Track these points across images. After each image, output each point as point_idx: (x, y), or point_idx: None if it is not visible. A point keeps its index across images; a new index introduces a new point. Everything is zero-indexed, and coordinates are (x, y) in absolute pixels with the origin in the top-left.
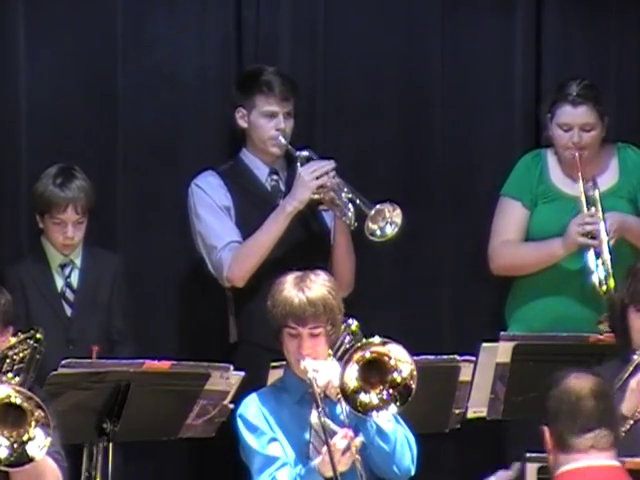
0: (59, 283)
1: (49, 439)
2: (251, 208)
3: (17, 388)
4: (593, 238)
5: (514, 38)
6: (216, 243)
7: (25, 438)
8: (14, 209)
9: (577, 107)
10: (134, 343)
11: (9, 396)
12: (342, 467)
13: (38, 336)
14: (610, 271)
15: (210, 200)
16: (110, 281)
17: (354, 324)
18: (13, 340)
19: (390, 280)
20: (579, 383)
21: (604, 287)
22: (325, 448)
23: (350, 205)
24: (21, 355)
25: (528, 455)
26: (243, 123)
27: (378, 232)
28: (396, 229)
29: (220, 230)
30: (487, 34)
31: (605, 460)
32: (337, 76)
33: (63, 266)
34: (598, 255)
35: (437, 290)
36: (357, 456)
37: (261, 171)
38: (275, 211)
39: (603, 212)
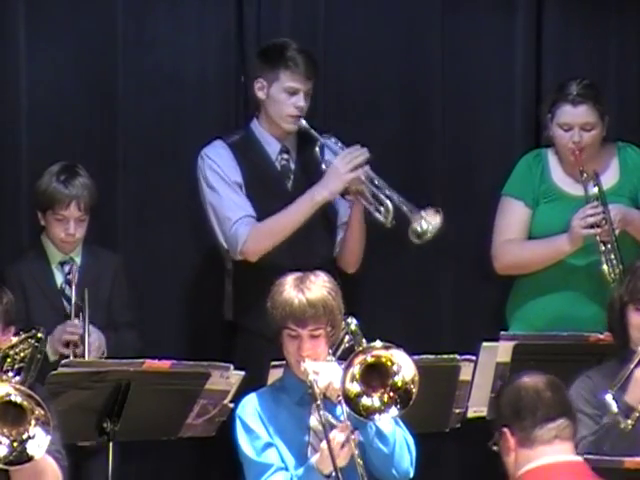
0: (59, 280)
1: (49, 438)
2: (258, 186)
3: (17, 386)
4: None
5: (514, 38)
6: (230, 215)
7: (25, 437)
8: (15, 208)
9: (577, 107)
10: (139, 331)
11: (9, 394)
12: (341, 461)
13: (39, 335)
14: (619, 260)
15: (222, 172)
16: (110, 279)
17: (353, 323)
18: (14, 340)
19: (390, 279)
20: (533, 379)
21: (613, 276)
22: (323, 444)
23: (387, 202)
24: (22, 355)
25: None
26: (262, 95)
27: (420, 231)
28: (435, 230)
29: (235, 203)
30: (487, 34)
31: (569, 456)
32: (337, 75)
33: (63, 264)
34: (604, 244)
35: (437, 289)
36: (356, 451)
37: (272, 147)
38: (302, 197)
39: (606, 204)
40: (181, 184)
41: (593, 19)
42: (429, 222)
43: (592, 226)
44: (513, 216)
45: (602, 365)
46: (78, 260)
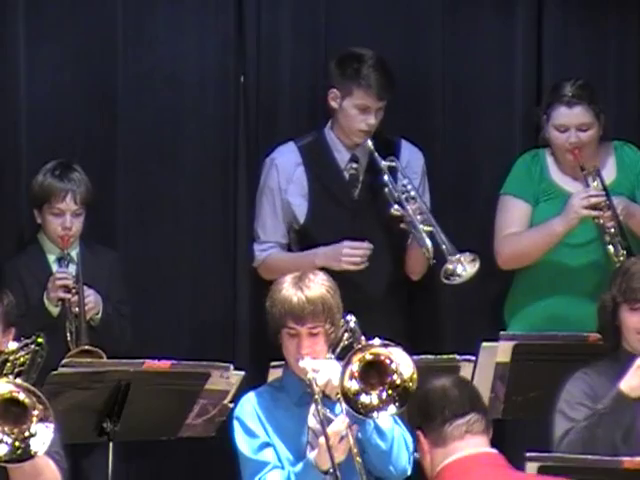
0: (56, 270)
1: (51, 435)
2: (323, 192)
3: (19, 383)
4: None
5: (514, 38)
6: (260, 233)
7: (27, 434)
8: (15, 206)
9: (572, 108)
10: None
11: (11, 392)
12: (339, 456)
13: (40, 340)
14: (624, 243)
15: (277, 187)
16: (107, 275)
17: (352, 321)
18: (15, 346)
19: (390, 280)
20: (439, 381)
21: (618, 258)
22: (321, 439)
23: (427, 241)
24: (22, 359)
25: (528, 455)
26: (334, 104)
27: (453, 275)
28: (468, 276)
29: (269, 224)
30: (487, 34)
31: (482, 447)
32: None
33: (60, 259)
34: (604, 229)
35: (437, 290)
36: (355, 447)
37: (342, 155)
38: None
39: (609, 194)
40: (180, 183)
41: (593, 19)
42: (465, 267)
43: (594, 208)
44: (513, 213)
45: (596, 363)
46: (75, 256)
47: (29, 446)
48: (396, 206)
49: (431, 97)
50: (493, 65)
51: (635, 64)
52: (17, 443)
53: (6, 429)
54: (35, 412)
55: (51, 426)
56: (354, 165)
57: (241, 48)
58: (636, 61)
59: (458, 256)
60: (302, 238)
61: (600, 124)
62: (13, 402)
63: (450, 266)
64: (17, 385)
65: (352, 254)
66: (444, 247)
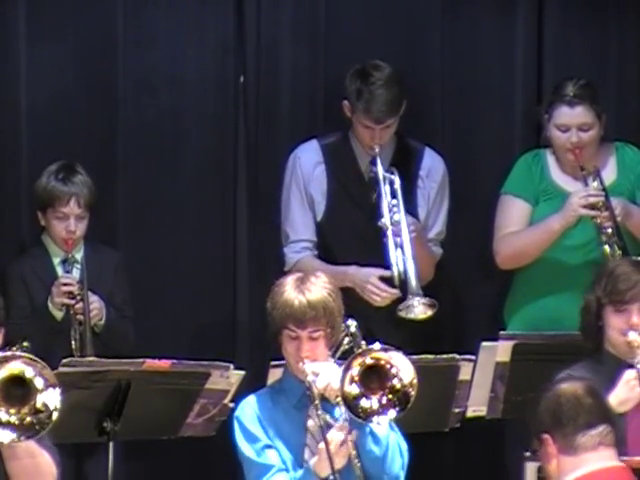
0: (60, 274)
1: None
2: (342, 193)
3: (25, 356)
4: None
5: (515, 38)
6: (290, 233)
7: (36, 408)
8: (16, 207)
9: (574, 107)
10: (134, 327)
11: (22, 371)
12: (339, 462)
13: (25, 345)
14: (620, 244)
15: (302, 183)
16: (111, 274)
17: (353, 325)
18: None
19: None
20: (572, 386)
21: (615, 257)
22: (321, 445)
23: (395, 269)
24: None
25: (527, 454)
26: (348, 114)
27: (404, 312)
28: (419, 318)
29: (299, 222)
30: (487, 34)
31: (613, 461)
32: (338, 76)
33: (64, 261)
34: (601, 229)
35: (437, 290)
36: (354, 452)
37: (363, 157)
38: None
39: (608, 195)
40: (180, 184)
41: (593, 20)
42: (416, 308)
43: (592, 207)
44: (513, 212)
45: (578, 365)
46: (79, 257)
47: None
48: (383, 219)
49: (432, 97)
50: (493, 65)
51: (636, 64)
52: (29, 420)
53: (13, 410)
54: (39, 388)
55: (57, 390)
56: (374, 169)
57: (241, 49)
58: (637, 61)
59: (418, 298)
60: (317, 236)
61: (601, 124)
62: (19, 381)
63: (409, 302)
64: (26, 361)
65: (376, 293)
66: (410, 282)
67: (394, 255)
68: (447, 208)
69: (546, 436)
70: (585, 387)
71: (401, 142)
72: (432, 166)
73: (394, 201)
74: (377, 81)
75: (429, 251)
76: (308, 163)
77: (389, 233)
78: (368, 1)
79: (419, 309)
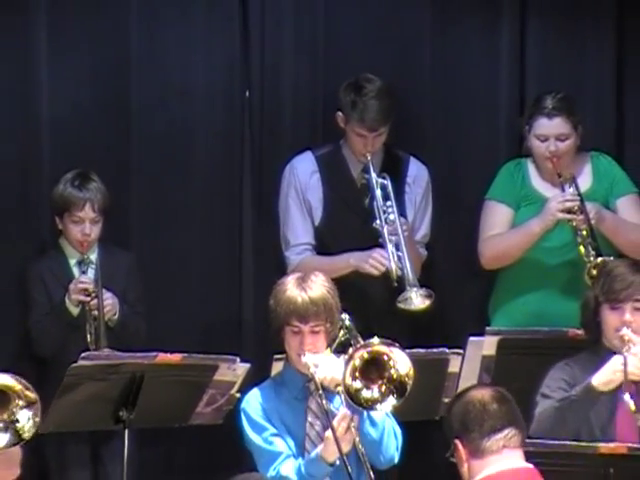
0: (77, 274)
1: (37, 418)
2: (337, 200)
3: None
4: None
5: (499, 55)
6: (290, 238)
7: (14, 419)
8: (38, 213)
9: (552, 119)
10: (146, 321)
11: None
12: (345, 447)
13: None
14: (594, 244)
15: (300, 190)
16: (123, 274)
17: (347, 319)
18: None
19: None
20: (479, 392)
21: (588, 258)
22: (327, 433)
23: (392, 266)
24: None
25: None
26: (342, 125)
27: (403, 304)
28: (418, 309)
29: (299, 227)
30: (474, 51)
31: (518, 462)
32: (336, 87)
33: (80, 262)
34: (577, 231)
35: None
36: (356, 437)
37: (355, 165)
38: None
39: (583, 200)
40: (190, 190)
41: (572, 38)
42: (414, 300)
43: (569, 212)
44: (496, 216)
45: (578, 356)
46: (94, 258)
47: (19, 430)
48: (377, 221)
49: (422, 109)
50: (479, 78)
51: (611, 80)
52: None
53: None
54: (19, 399)
55: (36, 410)
56: (366, 175)
57: (246, 65)
58: (612, 77)
59: (416, 289)
60: (316, 239)
61: (578, 134)
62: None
63: (407, 294)
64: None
65: (379, 260)
66: (407, 275)
67: (391, 252)
68: (431, 213)
69: (456, 441)
70: (492, 393)
71: (389, 152)
72: (417, 174)
73: (388, 203)
74: (370, 92)
75: (417, 252)
76: (304, 172)
77: (385, 232)
78: (363, 21)
79: (417, 300)
